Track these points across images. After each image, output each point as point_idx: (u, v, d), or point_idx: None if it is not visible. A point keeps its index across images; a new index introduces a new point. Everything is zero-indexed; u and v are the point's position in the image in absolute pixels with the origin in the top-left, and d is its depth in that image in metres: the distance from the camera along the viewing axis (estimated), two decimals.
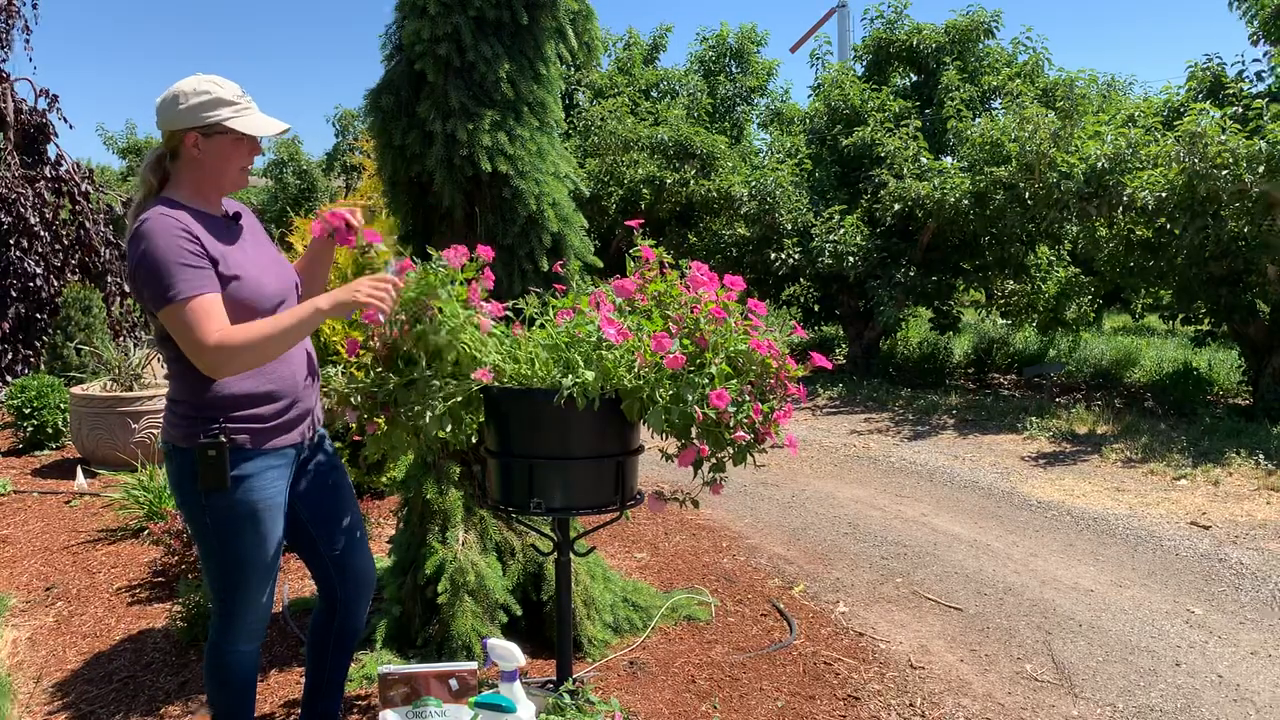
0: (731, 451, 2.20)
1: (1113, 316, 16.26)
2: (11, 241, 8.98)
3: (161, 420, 3.65)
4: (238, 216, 2.25)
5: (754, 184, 10.75)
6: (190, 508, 2.17)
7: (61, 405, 6.83)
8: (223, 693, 2.32)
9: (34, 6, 9.82)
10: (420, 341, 2.20)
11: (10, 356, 8.99)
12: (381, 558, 3.98)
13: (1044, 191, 8.21)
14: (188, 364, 2.10)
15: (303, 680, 3.06)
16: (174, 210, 2.07)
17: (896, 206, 9.60)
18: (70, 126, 19.26)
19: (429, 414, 2.20)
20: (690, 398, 2.10)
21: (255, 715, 2.72)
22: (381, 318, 2.10)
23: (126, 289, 9.47)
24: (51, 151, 9.88)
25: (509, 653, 2.24)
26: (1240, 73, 8.45)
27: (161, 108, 2.10)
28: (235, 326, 2.03)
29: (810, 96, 12.80)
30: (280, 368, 2.20)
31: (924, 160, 9.72)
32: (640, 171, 11.94)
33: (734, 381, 2.15)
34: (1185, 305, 8.84)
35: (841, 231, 10.04)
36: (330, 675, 2.53)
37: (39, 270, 9.10)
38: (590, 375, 2.09)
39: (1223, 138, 6.80)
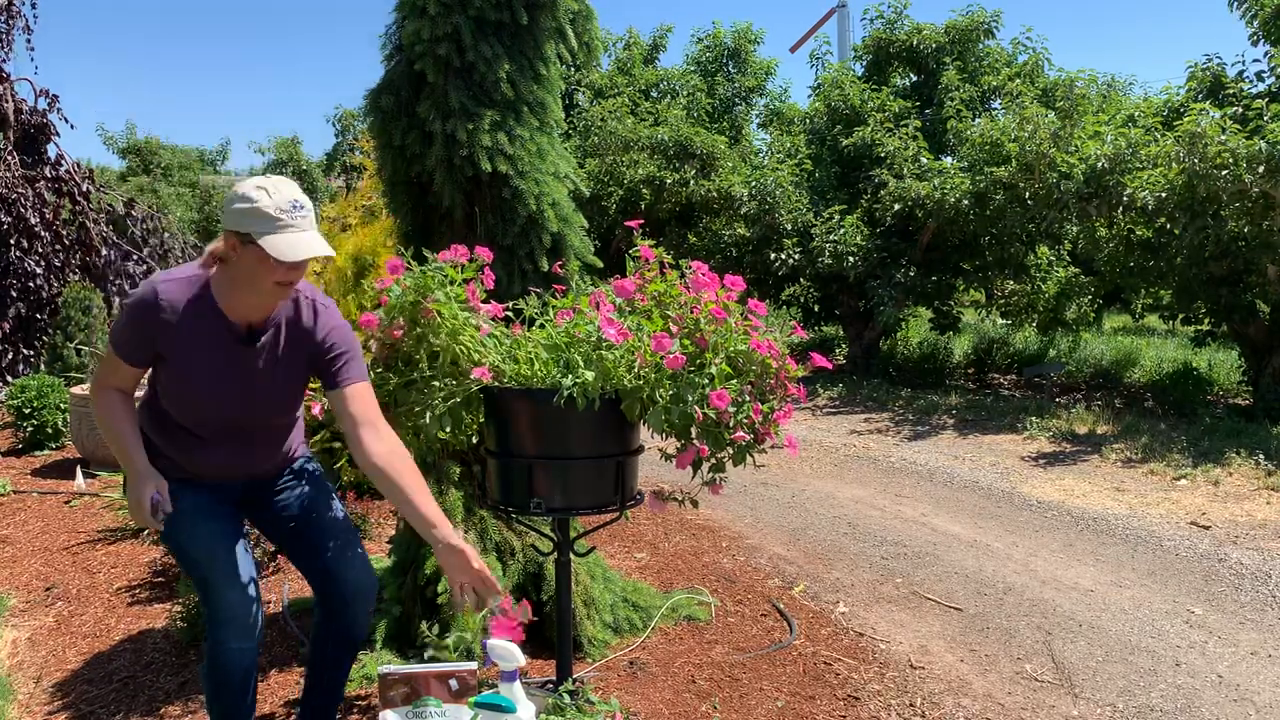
0: (731, 452, 2.20)
1: (1113, 316, 16.27)
2: (11, 241, 8.97)
3: None
4: (258, 335, 2.17)
5: (754, 184, 10.75)
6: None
7: (61, 405, 6.83)
8: (219, 693, 2.31)
9: (33, 6, 9.81)
10: (420, 343, 2.20)
11: (10, 356, 8.99)
12: (381, 558, 3.98)
13: (1044, 191, 8.21)
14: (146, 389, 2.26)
15: (300, 679, 3.07)
16: (180, 297, 2.10)
17: (896, 206, 9.60)
18: (71, 126, 19.26)
19: (429, 414, 2.20)
20: (690, 398, 2.10)
21: (256, 716, 2.73)
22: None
23: (127, 288, 9.48)
24: (51, 151, 9.88)
25: (509, 653, 2.24)
26: (1240, 73, 8.45)
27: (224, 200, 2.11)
28: (112, 401, 2.15)
29: (810, 96, 12.81)
30: (204, 459, 2.25)
31: (924, 160, 9.72)
32: (640, 171, 11.94)
33: (734, 382, 2.15)
34: (1185, 305, 8.84)
35: (841, 231, 10.04)
36: (328, 684, 2.50)
37: (39, 270, 9.10)
38: (590, 375, 2.09)
39: (1223, 138, 6.79)
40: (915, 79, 11.89)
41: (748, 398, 2.17)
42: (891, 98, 11.07)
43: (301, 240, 2.02)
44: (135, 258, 9.73)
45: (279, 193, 2.03)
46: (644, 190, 11.98)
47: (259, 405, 2.21)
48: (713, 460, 2.21)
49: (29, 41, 9.73)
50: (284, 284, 2.06)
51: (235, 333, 2.14)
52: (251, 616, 2.24)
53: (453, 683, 2.37)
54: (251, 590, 2.25)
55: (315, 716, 2.56)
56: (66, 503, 5.45)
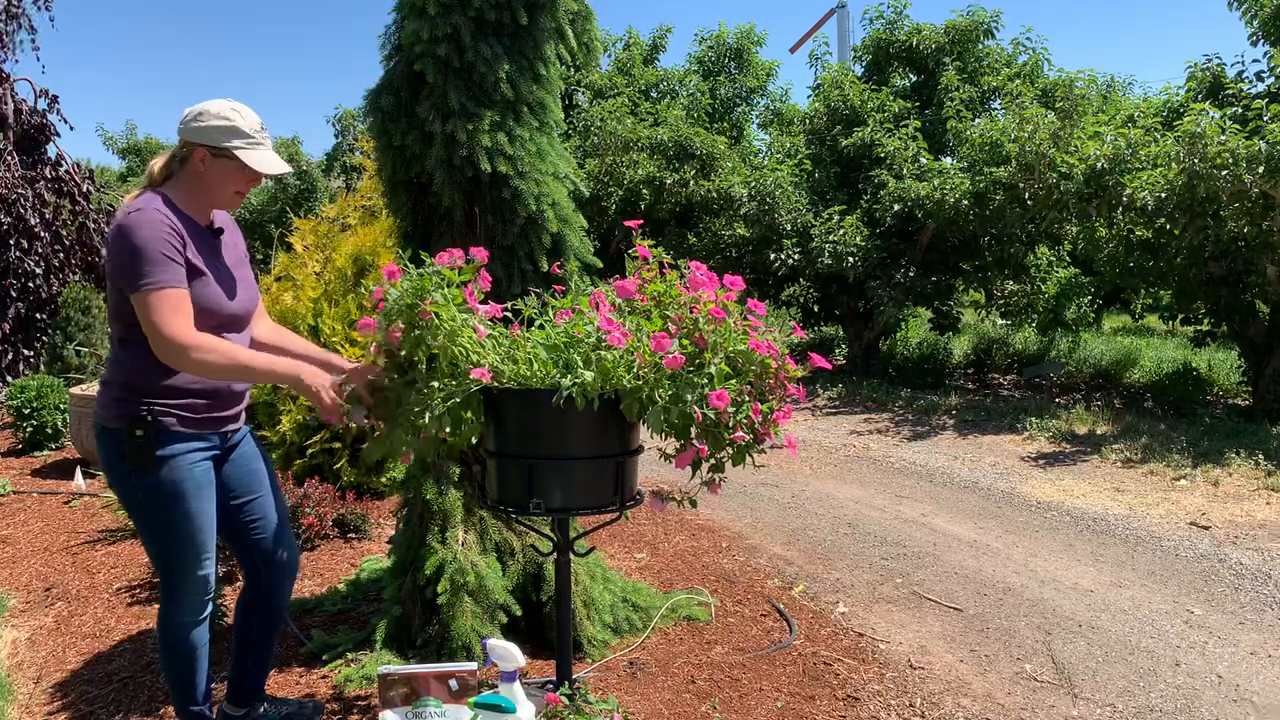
0: (731, 452, 2.20)
1: (1113, 316, 16.27)
2: (11, 241, 8.97)
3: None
4: (220, 231, 2.43)
5: (754, 184, 10.75)
6: (121, 486, 2.31)
7: (61, 405, 6.83)
8: (173, 663, 2.44)
9: (46, 8, 9.83)
10: (418, 346, 2.20)
11: (10, 356, 8.99)
12: (381, 558, 3.98)
13: (1044, 192, 8.21)
14: (132, 348, 2.25)
15: (300, 680, 3.07)
16: (165, 207, 2.25)
17: (896, 207, 9.60)
18: (71, 127, 19.22)
19: (429, 414, 2.20)
20: (689, 398, 2.10)
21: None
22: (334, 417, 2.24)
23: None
24: (51, 152, 9.87)
25: (509, 653, 2.24)
26: (1240, 73, 8.45)
27: (185, 118, 2.30)
28: (217, 339, 2.20)
29: (810, 97, 12.80)
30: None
31: (924, 160, 9.72)
32: (640, 172, 11.93)
33: (733, 382, 2.15)
34: (1185, 305, 8.85)
35: (841, 232, 10.04)
36: (256, 655, 2.65)
37: (39, 270, 9.10)
38: (589, 375, 2.09)
39: (1222, 138, 6.79)
40: (915, 79, 11.89)
41: (747, 398, 2.17)
42: (891, 98, 11.06)
43: (271, 157, 2.35)
44: None
45: (250, 116, 2.33)
46: (644, 190, 11.98)
47: (247, 289, 2.44)
48: (712, 460, 2.20)
49: (34, 42, 9.74)
50: (241, 193, 2.36)
51: (206, 229, 2.38)
52: (209, 594, 2.42)
53: (453, 683, 2.37)
54: (213, 569, 2.40)
55: (251, 697, 2.68)
56: (66, 503, 5.45)
